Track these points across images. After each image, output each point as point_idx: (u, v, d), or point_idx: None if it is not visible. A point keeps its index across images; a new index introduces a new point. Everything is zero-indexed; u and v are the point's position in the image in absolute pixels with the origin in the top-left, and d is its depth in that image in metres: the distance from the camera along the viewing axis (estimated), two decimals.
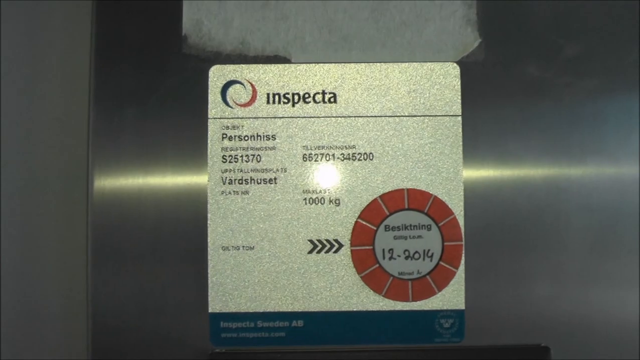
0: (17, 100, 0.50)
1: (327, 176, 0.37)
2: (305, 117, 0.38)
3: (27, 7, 0.49)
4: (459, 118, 0.38)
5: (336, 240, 0.37)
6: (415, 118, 0.38)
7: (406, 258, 0.37)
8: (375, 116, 0.38)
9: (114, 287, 0.37)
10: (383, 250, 0.37)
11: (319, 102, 0.38)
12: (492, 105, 0.38)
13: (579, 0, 0.39)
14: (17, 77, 0.49)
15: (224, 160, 0.37)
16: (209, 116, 0.38)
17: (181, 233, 0.37)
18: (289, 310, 0.37)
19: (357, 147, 0.38)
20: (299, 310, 0.37)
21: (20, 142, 0.50)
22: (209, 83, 0.38)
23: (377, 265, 0.37)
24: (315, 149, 0.38)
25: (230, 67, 0.38)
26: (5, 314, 0.49)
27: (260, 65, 0.38)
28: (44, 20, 0.49)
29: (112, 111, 0.38)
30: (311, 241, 0.37)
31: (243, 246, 0.37)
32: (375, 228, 0.37)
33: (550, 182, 0.38)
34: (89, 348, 0.37)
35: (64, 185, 0.49)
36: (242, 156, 0.37)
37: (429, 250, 0.38)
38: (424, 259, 0.37)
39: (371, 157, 0.38)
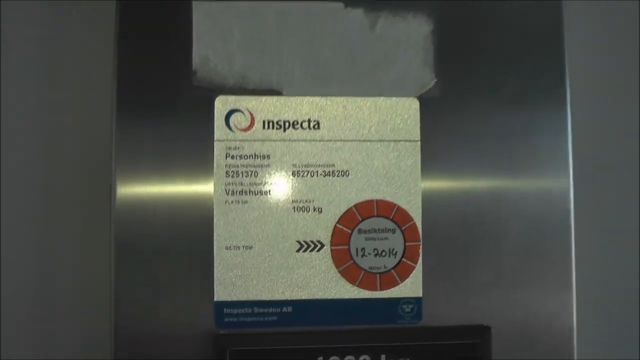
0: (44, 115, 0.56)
1: (311, 189, 0.45)
2: (294, 140, 0.45)
3: (49, 45, 0.56)
4: (418, 143, 0.46)
5: (319, 242, 0.45)
6: (383, 142, 0.46)
7: (375, 255, 0.45)
8: (351, 140, 0.46)
9: (134, 280, 0.43)
10: (357, 249, 0.45)
11: (306, 129, 0.45)
12: (445, 132, 0.46)
13: (515, 41, 0.47)
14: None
15: (227, 175, 0.45)
16: (215, 138, 0.45)
17: (191, 235, 0.44)
18: (280, 298, 0.45)
19: (336, 165, 0.45)
20: (289, 299, 0.45)
21: (48, 151, 0.57)
22: (215, 111, 0.45)
23: (352, 262, 0.45)
24: (302, 166, 0.45)
25: (232, 98, 0.45)
26: (36, 306, 0.55)
27: (257, 97, 0.45)
28: (65, 53, 0.56)
29: (133, 135, 0.44)
30: (299, 242, 0.45)
31: (243, 246, 0.45)
32: (350, 231, 0.45)
33: (491, 193, 0.46)
34: (112, 332, 0.43)
35: (88, 189, 0.55)
36: (242, 172, 0.45)
37: (393, 249, 0.45)
38: (389, 256, 0.45)
39: (347, 174, 0.45)
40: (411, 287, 0.45)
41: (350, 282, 0.45)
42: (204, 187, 0.45)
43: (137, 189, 0.44)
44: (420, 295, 0.45)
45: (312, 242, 0.45)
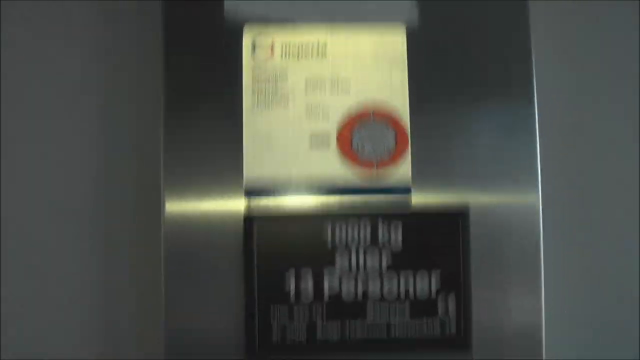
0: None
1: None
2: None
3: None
4: (405, 63, 0.56)
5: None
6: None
7: (373, 149, 0.55)
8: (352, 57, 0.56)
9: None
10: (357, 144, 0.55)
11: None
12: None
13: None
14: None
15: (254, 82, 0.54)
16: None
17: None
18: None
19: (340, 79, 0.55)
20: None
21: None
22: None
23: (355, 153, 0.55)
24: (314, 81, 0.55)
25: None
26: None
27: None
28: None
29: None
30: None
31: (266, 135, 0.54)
32: (351, 133, 0.55)
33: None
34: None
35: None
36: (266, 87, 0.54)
37: (388, 145, 0.55)
38: (384, 150, 0.55)
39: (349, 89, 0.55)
40: (402, 168, 0.55)
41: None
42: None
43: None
44: (409, 174, 0.55)
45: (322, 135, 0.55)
